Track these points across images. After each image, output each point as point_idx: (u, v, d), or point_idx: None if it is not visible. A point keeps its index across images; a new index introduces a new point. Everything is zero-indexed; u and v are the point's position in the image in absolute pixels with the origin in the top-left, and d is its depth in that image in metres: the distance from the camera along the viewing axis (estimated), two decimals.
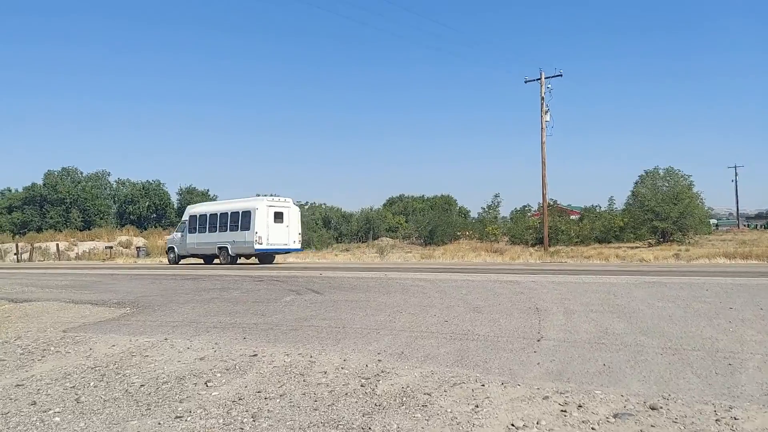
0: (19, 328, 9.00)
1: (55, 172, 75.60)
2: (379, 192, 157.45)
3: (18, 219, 66.78)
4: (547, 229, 32.32)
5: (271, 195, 29.33)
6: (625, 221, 39.41)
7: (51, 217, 65.93)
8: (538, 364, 5.31)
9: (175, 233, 29.40)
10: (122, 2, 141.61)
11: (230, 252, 24.81)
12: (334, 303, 9.58)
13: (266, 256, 25.81)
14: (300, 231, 26.22)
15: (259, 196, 28.99)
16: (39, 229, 61.40)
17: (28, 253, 44.80)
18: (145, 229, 61.29)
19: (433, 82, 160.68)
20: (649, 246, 33.95)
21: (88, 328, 8.34)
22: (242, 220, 24.30)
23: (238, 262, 25.47)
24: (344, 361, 5.60)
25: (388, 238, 61.38)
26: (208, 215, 26.93)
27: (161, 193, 74.72)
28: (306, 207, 63.11)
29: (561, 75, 31.30)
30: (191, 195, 74.49)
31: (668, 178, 38.38)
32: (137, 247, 45.53)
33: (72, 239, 50.89)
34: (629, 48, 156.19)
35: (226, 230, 25.14)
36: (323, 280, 13.45)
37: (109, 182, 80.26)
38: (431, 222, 48.00)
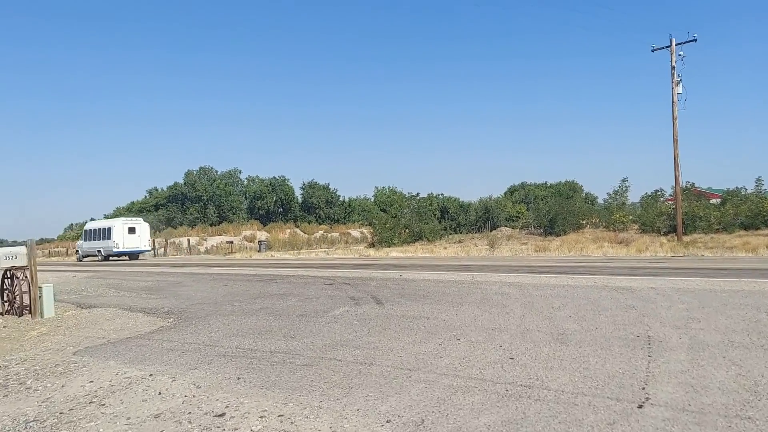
0: (44, 346, 8.01)
1: (194, 172, 79.97)
2: (500, 180, 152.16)
3: (163, 216, 71.25)
4: (681, 215, 27.79)
5: (127, 217, 42.18)
6: None
7: (191, 213, 69.61)
8: None
9: (80, 241, 41.87)
10: (258, 12, 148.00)
11: (103, 253, 37.55)
12: (386, 320, 7.62)
13: (125, 255, 37.84)
14: (150, 238, 40.35)
15: (118, 218, 40.95)
16: (181, 225, 65.06)
17: (164, 248, 47.13)
18: (270, 224, 62.80)
19: (551, 60, 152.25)
20: None
21: (101, 350, 7.09)
22: (108, 233, 37.12)
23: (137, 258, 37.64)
24: None
25: (507, 228, 58.20)
26: (92, 230, 40.02)
27: (286, 188, 76.39)
28: (417, 198, 61.40)
29: (695, 40, 26.68)
30: (313, 189, 75.58)
31: None
32: (259, 241, 46.26)
33: (203, 234, 53.07)
34: None
35: (101, 239, 37.78)
36: (398, 284, 11.51)
37: (241, 179, 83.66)
38: (551, 210, 44.12)
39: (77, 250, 41.56)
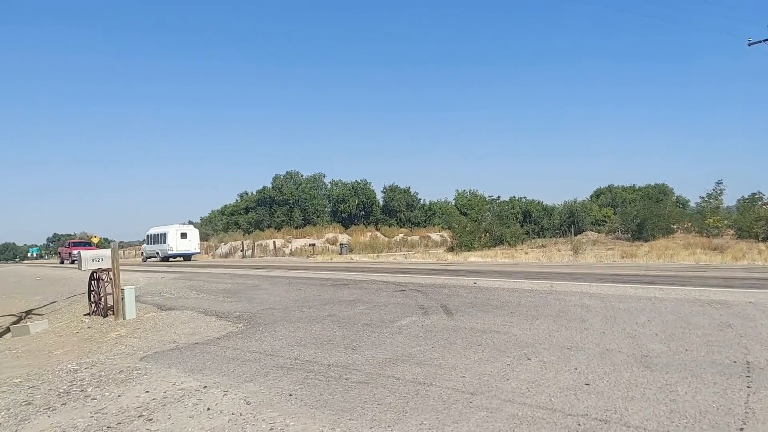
0: (117, 349, 8.14)
1: (281, 176, 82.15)
2: (585, 184, 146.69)
3: (252, 218, 73.57)
4: None
5: (180, 224, 44.75)
6: None
7: (278, 216, 71.43)
8: None
9: (144, 244, 46.60)
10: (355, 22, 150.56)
11: (160, 255, 41.94)
12: (453, 333, 7.12)
13: (180, 257, 42.20)
14: (199, 242, 44.73)
15: (172, 225, 43.33)
16: (268, 227, 66.92)
17: (251, 250, 48.59)
18: (351, 226, 63.30)
19: (638, 57, 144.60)
20: None
21: (167, 356, 7.06)
22: (164, 238, 41.49)
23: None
24: None
25: (593, 233, 55.73)
26: (152, 235, 44.04)
27: (368, 191, 76.81)
28: (499, 201, 59.90)
29: None
30: (394, 192, 75.49)
31: None
32: (341, 244, 46.74)
33: (288, 237, 54.25)
34: None
35: (159, 243, 42.21)
36: (471, 292, 10.94)
37: (325, 183, 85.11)
38: (639, 214, 41.59)
39: (142, 252, 46.68)
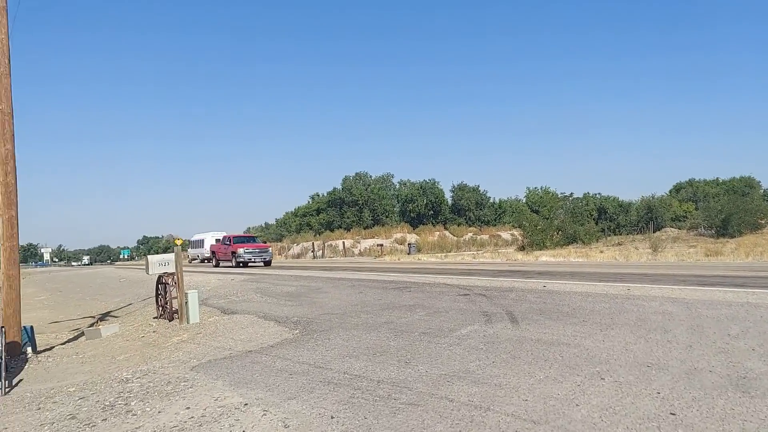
0: (174, 356, 8.00)
1: (350, 177, 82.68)
2: (664, 178, 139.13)
3: (323, 219, 74.43)
4: None
5: (215, 231, 49.59)
6: None
7: (347, 217, 71.89)
8: None
9: (189, 248, 52.15)
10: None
11: (200, 257, 48.22)
12: (518, 345, 6.45)
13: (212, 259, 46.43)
14: None
15: (209, 232, 49.67)
16: (338, 228, 67.44)
17: (321, 251, 49.03)
18: (420, 226, 62.68)
19: (725, 54, 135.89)
20: None
21: (217, 366, 6.80)
22: (202, 243, 48.14)
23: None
24: None
25: (673, 229, 52.58)
26: (194, 240, 51.94)
27: (437, 191, 75.99)
28: (572, 198, 57.59)
29: None
30: (463, 191, 74.30)
31: None
32: (409, 244, 46.34)
33: (357, 237, 54.38)
34: None
35: (199, 248, 48.90)
36: (539, 297, 10.15)
37: (393, 183, 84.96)
38: (724, 209, 38.71)
39: (187, 254, 52.35)
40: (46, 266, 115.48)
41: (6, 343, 8.49)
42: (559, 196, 68.05)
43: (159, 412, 5.03)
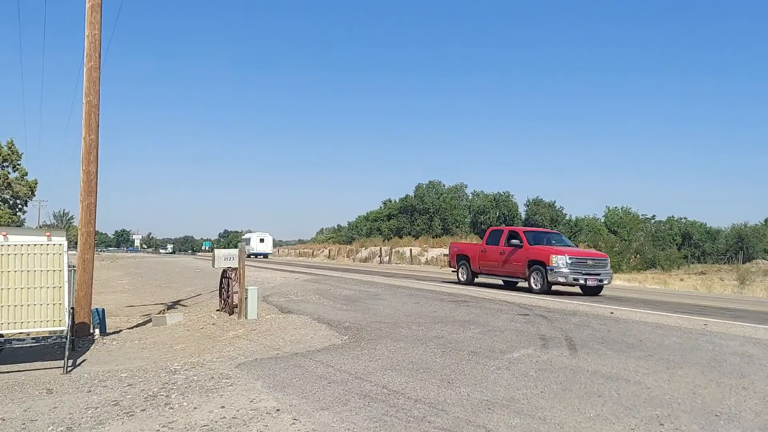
0: (224, 352, 8.05)
1: (423, 185, 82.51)
2: (759, 206, 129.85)
3: (393, 225, 74.63)
4: None
5: (260, 232, 62.94)
6: None
7: (417, 225, 71.75)
8: None
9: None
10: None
11: (247, 254, 50.82)
12: (571, 375, 5.97)
13: (260, 255, 58.03)
14: (272, 245, 64.73)
15: (252, 232, 61.91)
16: (407, 234, 67.39)
17: (388, 257, 49.06)
18: None
19: None
20: None
21: (261, 366, 6.76)
22: (248, 241, 57.96)
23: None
24: None
25: (765, 261, 48.84)
26: (243, 238, 57.77)
27: (510, 204, 74.55)
28: (654, 221, 54.69)
29: None
30: (537, 206, 72.45)
31: None
32: None
33: (425, 245, 53.98)
34: None
35: (247, 245, 47.25)
36: (604, 323, 9.49)
37: (466, 194, 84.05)
38: None
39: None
40: (136, 252, 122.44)
41: (74, 324, 8.84)
42: (641, 217, 64.92)
43: (194, 408, 4.99)
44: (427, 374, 6.04)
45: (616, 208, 75.63)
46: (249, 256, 54.89)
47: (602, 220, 73.72)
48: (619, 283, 25.26)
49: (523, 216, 72.36)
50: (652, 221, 57.93)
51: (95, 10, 10.33)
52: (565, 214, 73.08)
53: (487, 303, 12.40)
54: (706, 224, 67.14)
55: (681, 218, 67.66)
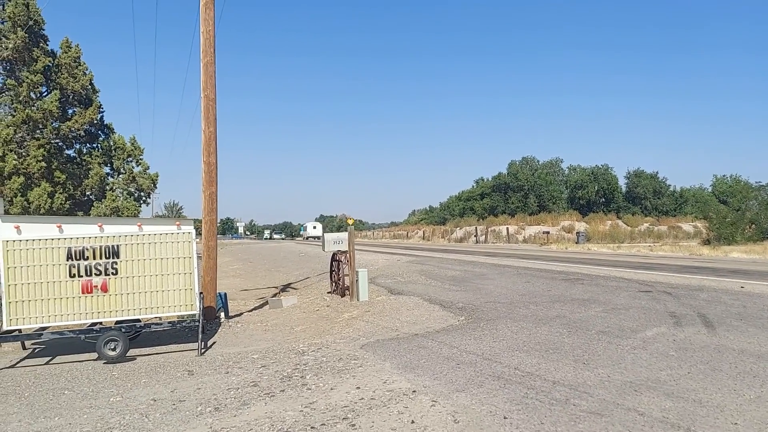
0: (344, 333, 8.18)
1: (517, 162, 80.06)
2: None
3: (487, 204, 73.18)
4: None
5: (314, 220, 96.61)
6: None
7: (512, 203, 69.83)
8: None
9: (301, 231, 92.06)
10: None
11: (304, 236, 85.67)
12: (717, 355, 5.50)
13: (314, 238, 77.19)
14: (322, 230, 76.61)
15: (310, 222, 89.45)
16: (502, 213, 65.89)
17: (484, 236, 48.25)
18: (589, 214, 58.81)
19: None
20: None
21: (385, 346, 6.79)
22: (305, 228, 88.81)
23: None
24: None
25: None
26: (303, 225, 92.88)
27: (609, 177, 70.65)
28: (767, 188, 49.90)
29: None
30: (639, 178, 68.20)
31: None
32: (577, 233, 43.59)
33: (521, 223, 52.59)
34: None
35: (304, 231, 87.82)
36: (737, 299, 8.73)
37: (562, 169, 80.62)
38: None
39: (301, 234, 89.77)
40: (240, 239, 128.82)
41: (203, 308, 9.34)
42: (753, 185, 59.55)
43: (331, 389, 5.07)
44: (559, 355, 5.79)
45: (724, 176, 69.93)
46: (306, 238, 72.25)
47: (709, 190, 68.34)
48: (737, 255, 23.32)
49: (624, 189, 68.51)
50: (767, 188, 52.81)
51: (209, 7, 10.72)
52: (669, 186, 68.39)
53: (602, 280, 11.81)
54: None
55: None
